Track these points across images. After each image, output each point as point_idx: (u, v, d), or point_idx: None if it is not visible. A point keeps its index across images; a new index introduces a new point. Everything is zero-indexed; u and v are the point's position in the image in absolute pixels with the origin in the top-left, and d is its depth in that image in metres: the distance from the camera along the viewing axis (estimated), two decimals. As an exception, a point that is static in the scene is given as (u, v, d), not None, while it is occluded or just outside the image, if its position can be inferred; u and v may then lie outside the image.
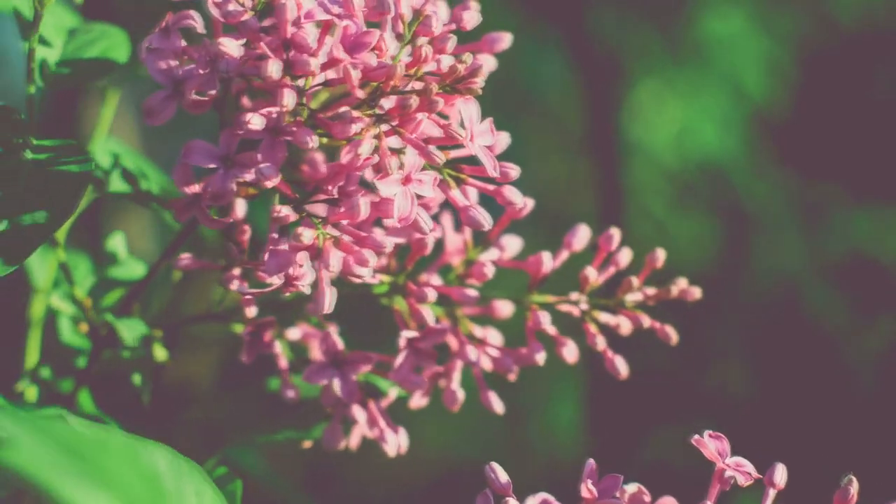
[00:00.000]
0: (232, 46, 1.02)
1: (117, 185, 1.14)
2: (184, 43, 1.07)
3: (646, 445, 3.06)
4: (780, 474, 1.03)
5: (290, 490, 1.46)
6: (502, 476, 1.02)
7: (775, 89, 3.31)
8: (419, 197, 1.06)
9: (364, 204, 1.03)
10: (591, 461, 1.02)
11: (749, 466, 1.03)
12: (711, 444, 1.03)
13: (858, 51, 3.29)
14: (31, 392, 1.27)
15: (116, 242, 1.27)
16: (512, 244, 1.22)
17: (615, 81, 3.08)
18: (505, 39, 1.14)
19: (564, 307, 1.19)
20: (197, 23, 1.08)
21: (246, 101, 1.13)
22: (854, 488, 1.00)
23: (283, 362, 1.21)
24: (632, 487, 1.02)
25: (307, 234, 1.02)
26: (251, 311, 1.15)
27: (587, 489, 1.01)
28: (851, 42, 3.30)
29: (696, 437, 1.03)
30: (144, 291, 1.22)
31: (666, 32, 3.27)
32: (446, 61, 1.06)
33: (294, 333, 1.24)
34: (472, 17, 1.10)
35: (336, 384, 1.15)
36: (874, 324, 3.20)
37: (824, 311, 3.18)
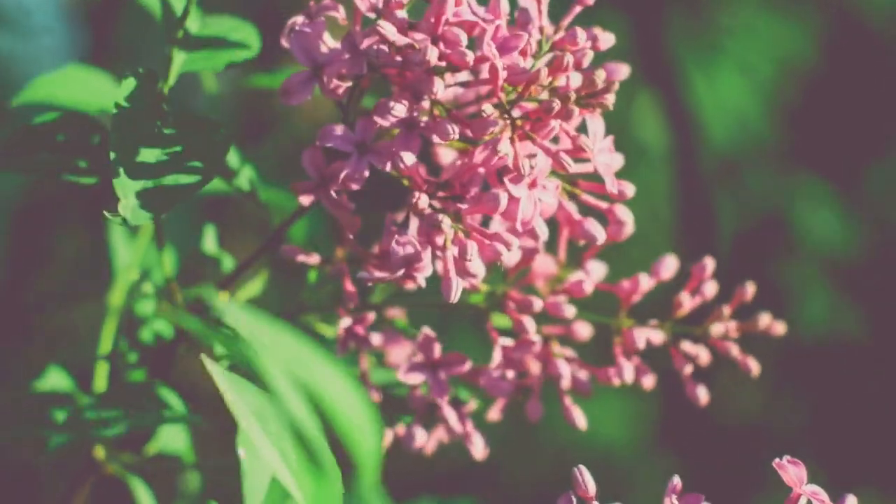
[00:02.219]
0: (390, 30, 1.05)
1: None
2: (328, 34, 1.10)
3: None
4: None
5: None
6: (590, 484, 1.04)
7: (791, 82, 3.28)
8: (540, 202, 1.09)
9: (504, 198, 1.05)
10: (676, 478, 1.05)
11: (823, 494, 1.06)
12: (791, 470, 1.06)
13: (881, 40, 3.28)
14: (101, 378, 1.26)
15: (208, 234, 1.27)
16: (597, 268, 1.24)
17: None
18: (624, 71, 1.18)
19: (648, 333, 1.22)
20: (339, 13, 1.11)
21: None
22: None
23: (365, 363, 1.21)
24: None
25: (447, 223, 1.04)
26: (352, 305, 1.16)
27: None
28: (875, 32, 3.29)
29: (777, 461, 1.06)
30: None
31: (684, 21, 3.21)
32: (576, 77, 1.09)
33: (375, 339, 1.24)
34: (606, 38, 1.13)
35: (428, 384, 1.16)
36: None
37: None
